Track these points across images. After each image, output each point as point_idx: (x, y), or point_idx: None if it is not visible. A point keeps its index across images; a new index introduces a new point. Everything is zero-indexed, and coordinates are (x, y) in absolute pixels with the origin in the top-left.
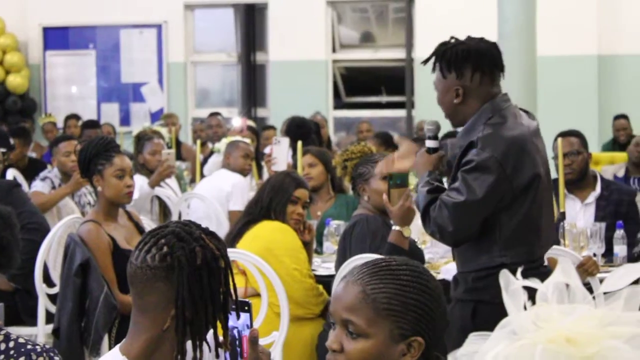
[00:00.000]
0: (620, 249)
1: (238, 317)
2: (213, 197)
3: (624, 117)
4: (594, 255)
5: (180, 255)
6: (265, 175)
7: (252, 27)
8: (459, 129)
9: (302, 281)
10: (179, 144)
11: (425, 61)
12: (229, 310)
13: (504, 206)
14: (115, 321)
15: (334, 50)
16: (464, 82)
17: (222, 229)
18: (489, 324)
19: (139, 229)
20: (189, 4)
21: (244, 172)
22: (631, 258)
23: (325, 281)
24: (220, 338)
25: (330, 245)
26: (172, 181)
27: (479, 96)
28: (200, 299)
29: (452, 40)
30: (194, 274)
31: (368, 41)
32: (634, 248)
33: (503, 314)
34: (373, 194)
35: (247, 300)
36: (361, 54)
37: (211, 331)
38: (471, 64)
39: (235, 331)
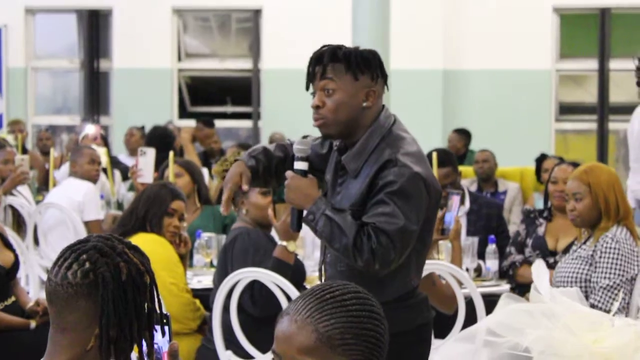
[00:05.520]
0: (492, 264)
1: (163, 334)
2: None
3: (455, 130)
4: (467, 270)
5: (104, 271)
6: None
7: (95, 33)
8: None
9: (179, 295)
10: (25, 151)
11: (323, 67)
12: (154, 328)
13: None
14: None
15: (179, 59)
16: (375, 85)
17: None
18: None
19: (4, 240)
20: (30, 8)
21: (92, 179)
22: (501, 272)
23: (201, 295)
24: (146, 357)
25: (201, 258)
26: (24, 189)
27: (379, 103)
28: (125, 317)
29: (340, 46)
30: (118, 290)
31: (213, 50)
32: (504, 262)
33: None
34: (252, 208)
35: (165, 313)
36: (207, 63)
37: (136, 349)
38: (379, 68)
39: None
